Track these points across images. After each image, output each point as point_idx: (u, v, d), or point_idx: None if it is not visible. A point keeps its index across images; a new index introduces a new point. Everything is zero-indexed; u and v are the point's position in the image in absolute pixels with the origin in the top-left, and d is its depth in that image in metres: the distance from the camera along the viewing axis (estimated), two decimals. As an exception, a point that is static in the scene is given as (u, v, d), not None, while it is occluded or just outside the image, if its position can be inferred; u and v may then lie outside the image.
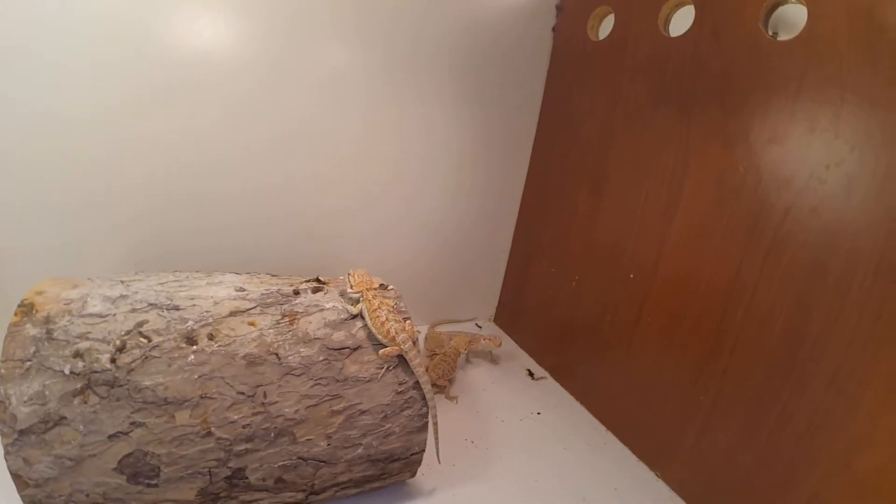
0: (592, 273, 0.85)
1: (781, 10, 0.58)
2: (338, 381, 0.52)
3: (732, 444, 0.67)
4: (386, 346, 0.54)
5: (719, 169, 0.65)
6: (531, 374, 0.91)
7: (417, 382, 0.55)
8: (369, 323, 0.54)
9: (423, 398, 0.55)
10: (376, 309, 0.53)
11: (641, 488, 0.71)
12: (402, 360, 0.55)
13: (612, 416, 0.83)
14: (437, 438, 0.57)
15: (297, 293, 0.56)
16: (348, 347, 0.53)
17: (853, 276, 0.54)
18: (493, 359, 0.93)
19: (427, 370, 0.76)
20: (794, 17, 0.57)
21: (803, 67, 0.55)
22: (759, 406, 0.64)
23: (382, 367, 0.54)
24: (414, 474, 0.59)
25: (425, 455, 0.60)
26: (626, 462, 0.74)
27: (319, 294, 0.57)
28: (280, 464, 0.52)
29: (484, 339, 0.88)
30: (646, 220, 0.74)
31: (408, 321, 0.55)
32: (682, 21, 0.67)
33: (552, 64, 0.90)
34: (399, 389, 0.54)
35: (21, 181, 0.64)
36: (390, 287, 0.60)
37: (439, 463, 0.60)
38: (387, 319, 0.53)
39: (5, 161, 0.62)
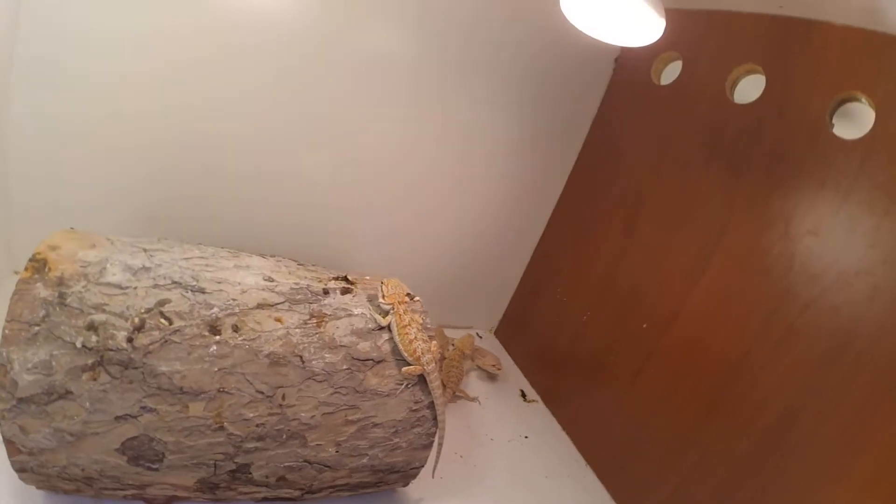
0: (606, 312, 0.85)
1: (848, 105, 0.59)
2: (357, 392, 0.52)
3: None
4: (410, 364, 0.54)
5: (754, 245, 0.67)
6: (524, 395, 0.93)
7: (432, 403, 0.55)
8: (396, 338, 0.54)
9: (435, 418, 0.55)
10: (406, 325, 0.53)
11: None
12: (421, 379, 0.55)
13: (595, 453, 0.85)
14: (437, 456, 0.58)
15: (326, 293, 0.55)
16: (372, 359, 0.53)
17: (854, 380, 0.57)
18: (490, 376, 0.94)
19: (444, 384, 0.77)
20: (859, 115, 0.58)
21: (858, 169, 0.56)
22: (740, 476, 0.67)
23: (402, 384, 0.54)
24: (407, 485, 0.60)
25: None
26: (601, 499, 0.77)
27: (348, 297, 0.56)
28: (286, 464, 0.53)
29: (489, 363, 0.89)
30: (671, 274, 0.76)
31: (433, 341, 0.55)
32: (748, 89, 0.67)
33: (608, 95, 0.90)
34: (414, 408, 0.55)
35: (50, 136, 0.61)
36: (416, 298, 0.59)
37: (433, 477, 0.61)
38: (415, 338, 0.53)
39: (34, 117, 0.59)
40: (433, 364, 0.54)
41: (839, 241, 0.59)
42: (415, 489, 0.64)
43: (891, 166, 0.56)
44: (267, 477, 0.53)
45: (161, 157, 0.67)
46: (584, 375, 0.89)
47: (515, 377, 0.98)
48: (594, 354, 0.87)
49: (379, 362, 0.54)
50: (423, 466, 0.59)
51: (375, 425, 0.54)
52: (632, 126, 0.85)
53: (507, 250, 0.98)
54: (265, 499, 0.56)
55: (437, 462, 0.60)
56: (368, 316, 0.56)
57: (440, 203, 0.87)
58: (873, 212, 0.56)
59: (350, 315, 0.55)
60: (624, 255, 0.83)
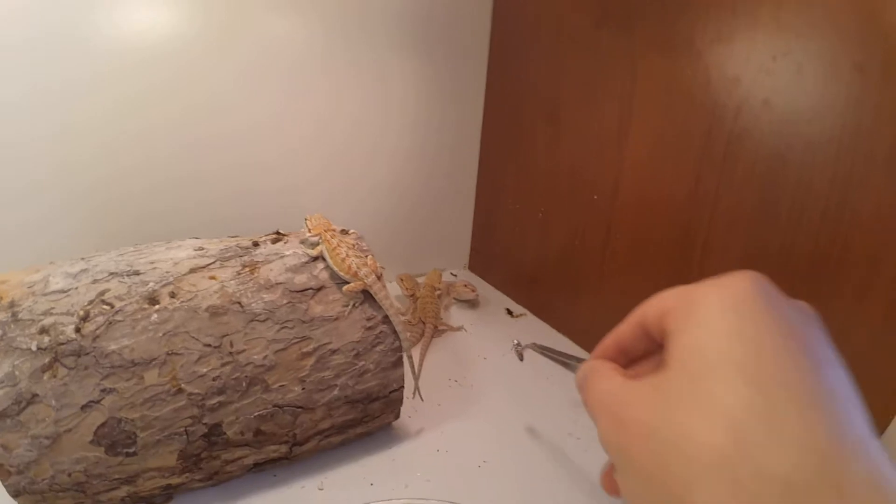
0: (557, 202, 0.85)
1: None
2: (304, 322, 0.52)
3: None
4: (349, 283, 0.53)
5: (667, 77, 0.66)
6: (510, 312, 0.92)
7: (387, 316, 0.54)
8: (330, 262, 0.54)
9: (395, 332, 0.54)
10: (336, 247, 0.53)
11: None
12: (368, 295, 0.54)
13: (594, 343, 0.81)
14: (414, 372, 0.56)
15: (256, 245, 0.56)
16: (311, 288, 0.53)
17: (813, 162, 0.55)
18: (472, 304, 0.94)
19: (418, 317, 0.76)
20: None
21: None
22: None
23: (348, 305, 0.53)
24: (397, 415, 0.58)
25: (410, 399, 0.59)
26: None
27: (279, 244, 0.57)
28: (256, 414, 0.52)
29: (462, 287, 0.89)
30: (603, 141, 0.75)
31: (370, 256, 0.55)
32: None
33: (496, 3, 0.92)
34: (368, 325, 0.54)
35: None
36: (352, 231, 0.59)
37: (422, 400, 0.58)
38: (347, 256, 0.53)
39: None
40: (373, 276, 0.54)
41: (746, 37, 0.57)
42: (411, 422, 0.61)
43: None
44: (242, 434, 0.52)
45: (93, 168, 0.71)
46: (559, 272, 0.88)
47: (499, 300, 0.97)
48: (560, 246, 0.86)
49: (319, 289, 0.54)
50: (401, 388, 0.56)
51: (333, 352, 0.53)
52: (524, 22, 0.86)
53: (452, 184, 0.99)
54: (256, 464, 0.55)
55: (416, 377, 0.57)
56: (301, 253, 0.56)
57: (371, 160, 0.88)
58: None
59: (283, 257, 0.56)
60: (556, 142, 0.84)
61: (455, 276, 1.04)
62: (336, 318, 0.54)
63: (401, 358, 0.55)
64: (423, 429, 0.61)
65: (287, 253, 0.56)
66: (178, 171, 0.74)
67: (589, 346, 0.84)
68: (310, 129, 0.81)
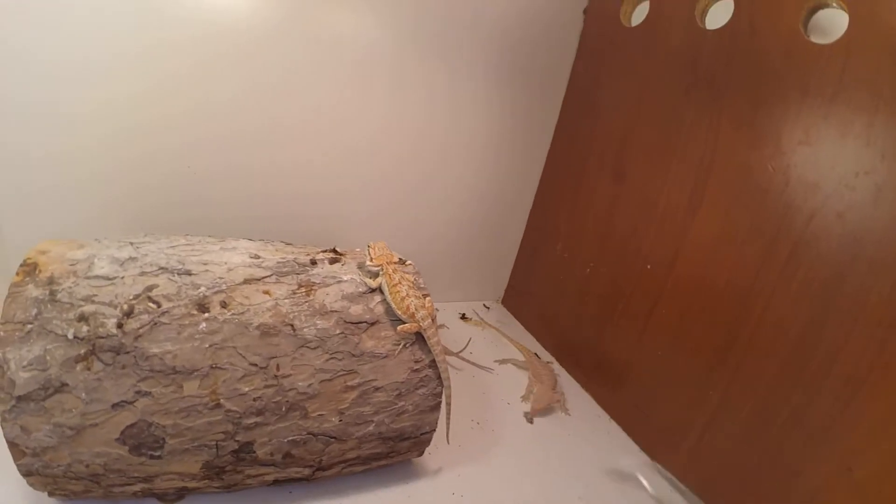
0: (608, 261, 0.85)
1: (821, 13, 0.58)
2: (354, 356, 0.52)
3: (738, 440, 0.68)
4: (404, 323, 0.53)
5: (747, 166, 0.65)
6: (538, 357, 0.90)
7: (434, 361, 0.54)
8: (388, 298, 0.53)
9: (439, 377, 0.54)
10: (397, 284, 0.52)
11: (647, 477, 0.72)
12: (419, 337, 0.54)
13: (617, 405, 0.84)
14: (449, 418, 0.57)
15: (313, 263, 0.55)
16: (366, 322, 0.53)
17: (872, 286, 0.55)
18: (503, 338, 0.94)
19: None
20: (831, 22, 0.57)
21: (841, 72, 0.56)
22: (768, 407, 0.65)
23: (399, 344, 0.53)
24: (421, 454, 0.59)
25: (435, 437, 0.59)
26: (629, 451, 0.75)
27: (336, 265, 0.56)
28: (290, 438, 0.52)
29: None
30: (667, 212, 0.75)
31: (427, 298, 0.54)
32: (718, 14, 0.66)
33: (581, 47, 0.90)
34: (415, 367, 0.54)
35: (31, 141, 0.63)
36: (408, 262, 0.58)
37: (448, 443, 0.60)
38: (407, 295, 0.52)
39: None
40: (429, 320, 0.53)
41: (832, 146, 0.58)
42: (431, 459, 0.62)
43: (872, 62, 0.55)
44: (272, 455, 0.52)
45: (153, 164, 0.69)
46: (594, 329, 0.88)
47: (528, 343, 0.97)
48: (602, 306, 0.86)
49: (373, 324, 0.54)
50: (433, 431, 0.57)
51: (377, 389, 0.53)
52: (608, 73, 0.85)
53: (502, 217, 0.98)
54: (276, 481, 0.55)
55: (448, 423, 0.58)
56: (358, 280, 0.55)
57: (429, 180, 0.87)
58: (862, 110, 0.55)
59: (339, 281, 0.55)
60: (617, 201, 0.83)
61: (488, 307, 1.04)
62: (385, 356, 0.54)
63: (439, 403, 0.56)
64: (441, 468, 0.62)
65: (344, 278, 0.55)
66: (230, 160, 0.71)
67: (611, 410, 0.85)
68: (372, 140, 0.79)
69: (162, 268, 0.52)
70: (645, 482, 0.72)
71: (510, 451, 0.69)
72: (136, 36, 0.62)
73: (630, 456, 0.76)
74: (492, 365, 0.86)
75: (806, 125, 0.60)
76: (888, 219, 0.55)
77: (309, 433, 0.53)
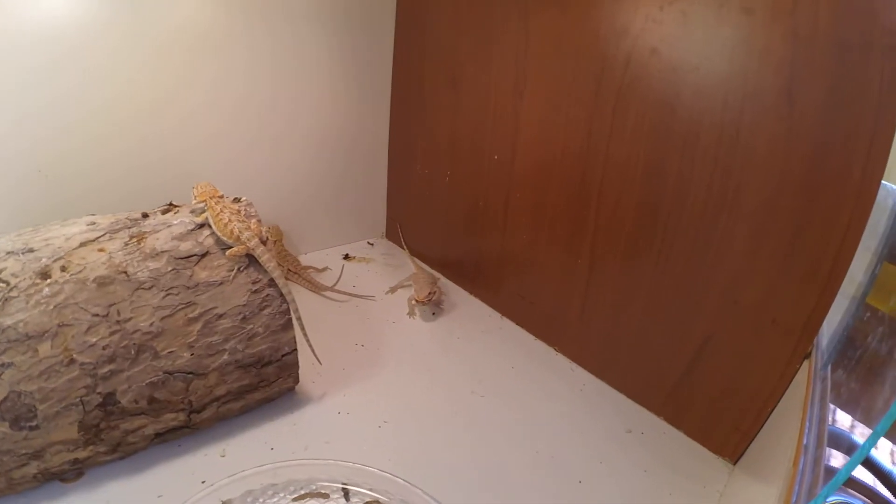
0: (461, 165, 0.87)
1: None
2: (189, 288, 0.53)
3: (617, 301, 0.68)
4: (233, 248, 0.54)
5: (558, 33, 0.67)
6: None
7: (273, 280, 0.54)
8: (214, 228, 0.55)
9: (282, 295, 0.54)
10: (219, 213, 0.54)
11: (540, 363, 0.69)
12: (253, 260, 0.55)
13: (504, 302, 0.85)
14: (305, 334, 0.57)
15: (145, 216, 0.57)
16: (196, 255, 0.55)
17: (703, 110, 0.56)
18: (389, 270, 0.96)
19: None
20: None
21: None
22: (635, 257, 0.65)
23: (233, 269, 0.54)
24: (297, 380, 0.59)
25: (313, 365, 0.59)
26: (524, 341, 0.74)
27: (169, 214, 0.58)
28: (148, 381, 0.53)
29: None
30: (499, 103, 0.77)
31: (254, 220, 0.55)
32: None
33: None
34: (254, 289, 0.55)
35: None
36: (244, 198, 0.60)
37: (320, 363, 0.59)
38: (229, 221, 0.54)
39: None
40: (256, 239, 0.55)
41: None
42: (316, 387, 0.62)
43: None
44: (136, 402, 0.54)
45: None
46: (465, 235, 0.90)
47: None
48: (466, 211, 0.88)
49: (203, 255, 0.56)
50: (295, 351, 0.57)
51: (220, 316, 0.54)
52: None
53: (364, 153, 0.99)
54: (157, 434, 0.56)
55: (308, 340, 0.58)
56: (187, 222, 0.58)
57: (279, 130, 0.88)
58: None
59: (170, 226, 0.58)
60: (457, 107, 0.85)
61: (371, 244, 1.05)
62: (221, 283, 0.55)
63: (290, 321, 0.56)
64: (325, 393, 0.61)
65: (174, 222, 0.58)
66: (79, 150, 0.74)
67: (498, 306, 0.87)
68: (213, 102, 0.81)
69: (9, 252, 0.56)
70: (543, 367, 0.72)
71: (399, 365, 0.68)
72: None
73: (525, 345, 0.77)
74: (380, 295, 0.87)
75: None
76: (700, 42, 0.56)
77: (165, 372, 0.54)
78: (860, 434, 0.55)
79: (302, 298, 0.83)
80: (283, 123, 0.88)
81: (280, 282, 0.56)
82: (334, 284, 0.86)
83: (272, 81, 0.85)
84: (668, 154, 0.59)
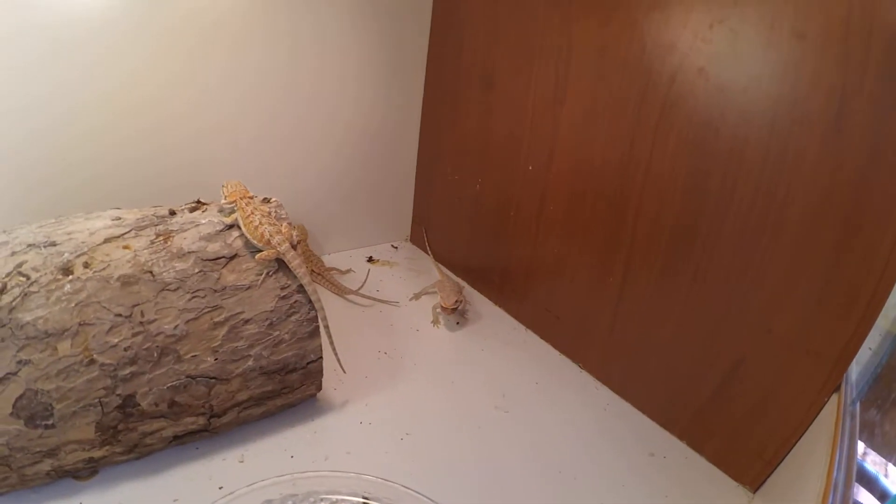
0: (492, 172, 0.85)
1: None
2: (216, 291, 0.52)
3: (648, 320, 0.67)
4: (262, 251, 0.52)
5: (602, 43, 0.66)
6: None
7: (302, 286, 0.53)
8: (244, 230, 0.53)
9: (310, 301, 0.53)
10: (249, 215, 0.53)
11: (564, 380, 0.69)
12: (283, 264, 0.54)
13: (529, 314, 0.84)
14: (332, 343, 0.56)
15: (172, 213, 0.56)
16: (224, 257, 0.53)
17: (748, 134, 0.55)
18: (413, 274, 0.94)
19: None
20: None
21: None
22: (670, 275, 0.64)
23: (262, 274, 0.53)
24: (320, 387, 0.58)
25: (336, 371, 0.58)
26: (548, 356, 0.73)
27: (197, 213, 0.57)
28: (169, 385, 0.52)
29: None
30: (537, 110, 0.75)
31: (285, 223, 0.54)
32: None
33: None
34: (282, 294, 0.54)
35: None
36: (273, 199, 0.59)
37: (344, 371, 0.58)
38: (260, 223, 0.52)
39: None
40: (286, 244, 0.53)
41: (683, 5, 0.58)
42: (336, 394, 0.61)
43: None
44: (157, 405, 0.53)
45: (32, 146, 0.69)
46: (493, 244, 0.88)
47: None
48: (496, 219, 0.86)
49: (232, 258, 0.54)
50: (320, 359, 0.56)
51: (246, 322, 0.53)
52: None
53: (392, 154, 0.97)
54: (176, 437, 0.55)
55: (334, 348, 0.57)
56: (216, 222, 0.56)
57: (308, 129, 0.86)
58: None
59: (198, 225, 0.56)
60: (490, 109, 0.83)
61: (396, 247, 1.03)
62: (249, 287, 0.53)
63: (317, 328, 0.55)
64: (347, 401, 0.61)
65: (203, 222, 0.56)
66: (104, 142, 0.72)
67: (523, 318, 0.85)
68: (250, 100, 0.80)
69: (30, 245, 0.55)
70: (567, 384, 0.71)
71: (422, 374, 0.68)
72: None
73: (549, 361, 0.76)
74: (404, 301, 0.86)
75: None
76: (750, 63, 0.54)
77: (188, 376, 0.53)
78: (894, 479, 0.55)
79: (325, 301, 0.81)
80: (312, 121, 0.86)
81: (309, 288, 0.55)
82: (359, 288, 0.84)
83: (309, 77, 0.83)
84: (711, 173, 0.58)
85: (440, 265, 0.98)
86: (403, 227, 1.07)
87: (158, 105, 0.74)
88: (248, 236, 0.55)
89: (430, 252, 1.00)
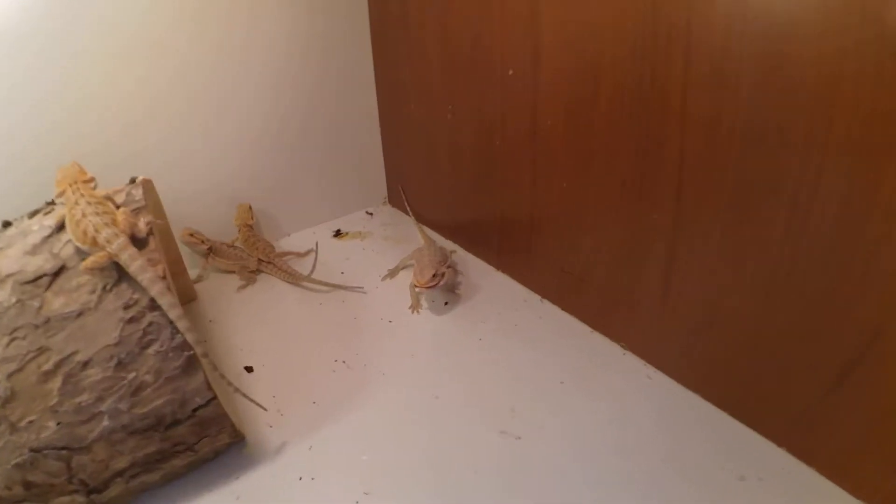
0: (463, 93, 0.61)
1: None
2: (37, 326, 0.35)
3: (720, 276, 0.42)
4: (89, 256, 0.34)
5: None
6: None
7: (153, 299, 0.34)
8: (67, 229, 0.35)
9: (171, 322, 0.34)
10: (73, 205, 0.35)
11: (601, 370, 0.49)
12: (118, 269, 0.35)
13: (542, 279, 0.60)
14: (222, 373, 0.36)
15: (7, 225, 0.40)
16: (46, 274, 0.35)
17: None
18: (390, 245, 0.74)
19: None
20: None
21: None
22: (750, 206, 0.39)
23: (95, 290, 0.34)
24: (238, 434, 0.38)
25: (273, 398, 0.39)
26: (575, 334, 0.53)
27: (37, 216, 0.40)
28: (14, 463, 0.36)
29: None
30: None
31: (121, 210, 0.35)
32: None
33: None
34: (128, 317, 0.35)
35: None
36: (139, 178, 0.40)
37: (264, 409, 0.38)
38: (83, 216, 0.34)
39: None
40: (122, 238, 0.35)
41: None
42: (273, 433, 0.43)
43: None
44: (9, 488, 0.38)
45: None
46: (484, 186, 0.64)
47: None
48: (479, 150, 0.62)
49: (57, 274, 0.37)
50: (211, 400, 0.37)
51: (84, 365, 0.36)
52: None
53: (348, 105, 0.77)
54: (60, 523, 0.40)
55: (227, 379, 0.37)
56: (46, 225, 0.39)
57: (244, 100, 0.69)
58: None
59: (27, 235, 0.39)
60: (448, 15, 0.59)
61: (371, 213, 0.81)
62: (80, 314, 0.35)
63: (193, 357, 0.35)
64: (285, 445, 0.42)
65: (34, 229, 0.39)
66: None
67: (534, 284, 0.61)
68: (174, 75, 0.63)
69: None
70: (601, 375, 0.48)
71: (391, 391, 0.48)
72: None
73: (574, 342, 0.52)
74: (374, 282, 0.65)
75: None
76: None
77: (31, 450, 0.37)
78: None
79: (276, 292, 0.64)
80: (246, 88, 0.68)
81: (164, 300, 0.36)
82: (310, 273, 0.66)
83: (239, 38, 0.65)
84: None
85: (424, 227, 0.76)
86: (378, 189, 0.86)
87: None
88: (72, 237, 0.37)
89: (410, 213, 0.77)
